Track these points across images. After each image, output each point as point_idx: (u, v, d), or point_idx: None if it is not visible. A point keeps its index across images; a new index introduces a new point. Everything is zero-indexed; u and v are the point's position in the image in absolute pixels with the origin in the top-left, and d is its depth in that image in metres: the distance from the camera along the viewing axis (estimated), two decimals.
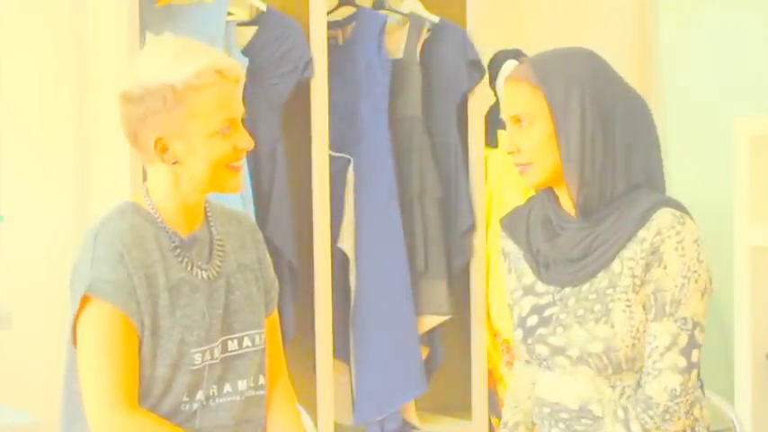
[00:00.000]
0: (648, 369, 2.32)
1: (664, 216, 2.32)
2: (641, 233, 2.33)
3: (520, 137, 2.38)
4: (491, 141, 4.08)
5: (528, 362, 2.53)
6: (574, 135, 2.33)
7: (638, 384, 2.36)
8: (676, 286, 2.30)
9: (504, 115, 2.43)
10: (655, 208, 2.33)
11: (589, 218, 2.37)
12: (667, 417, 2.30)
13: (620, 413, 2.32)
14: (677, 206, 2.36)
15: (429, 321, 3.93)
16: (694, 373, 2.32)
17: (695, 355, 2.31)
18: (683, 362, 2.30)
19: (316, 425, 3.49)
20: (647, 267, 2.32)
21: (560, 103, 2.34)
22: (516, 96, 2.38)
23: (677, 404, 2.30)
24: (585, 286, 2.38)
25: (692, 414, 2.38)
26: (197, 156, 2.31)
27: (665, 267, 2.31)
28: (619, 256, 2.35)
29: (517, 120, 2.38)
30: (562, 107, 2.34)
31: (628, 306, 2.33)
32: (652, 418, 2.30)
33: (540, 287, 2.45)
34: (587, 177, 2.34)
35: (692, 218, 2.36)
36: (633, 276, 2.33)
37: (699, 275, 2.31)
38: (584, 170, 2.34)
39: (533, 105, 2.35)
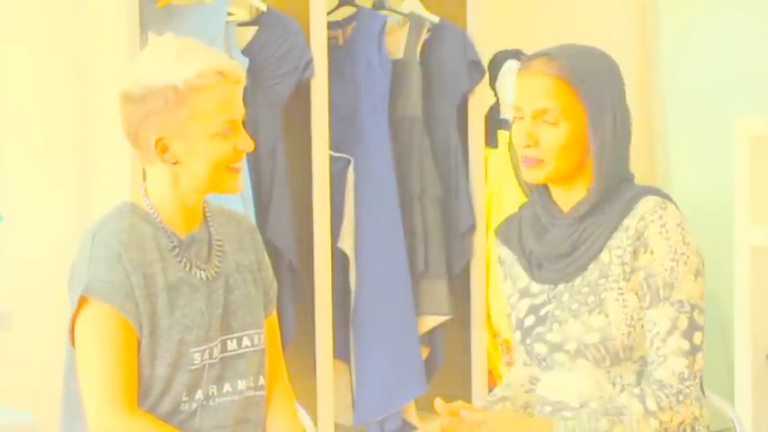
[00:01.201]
0: (653, 357, 2.33)
1: (647, 203, 2.35)
2: (626, 221, 2.35)
3: (541, 132, 2.36)
4: (491, 141, 4.08)
5: (526, 365, 2.55)
6: (607, 134, 2.35)
7: (638, 380, 2.37)
8: (666, 270, 2.31)
9: (521, 105, 2.37)
10: (638, 197, 2.36)
11: (577, 212, 2.39)
12: (681, 398, 2.31)
13: (635, 390, 2.32)
14: (660, 194, 2.39)
15: (429, 321, 3.93)
16: (699, 355, 2.32)
17: (698, 337, 2.32)
18: (686, 345, 2.31)
19: (316, 425, 3.49)
20: (635, 254, 2.33)
21: (596, 103, 2.35)
22: (544, 91, 2.35)
23: (688, 387, 2.31)
24: (578, 280, 2.39)
25: (693, 412, 2.38)
26: (198, 156, 2.31)
27: (652, 252, 2.32)
28: (606, 247, 2.36)
29: (540, 114, 2.36)
30: (597, 107, 2.35)
31: (620, 294, 2.34)
32: (667, 396, 2.30)
33: (535, 287, 2.46)
34: (613, 172, 2.37)
35: (675, 205, 2.38)
36: (623, 264, 2.34)
37: (687, 257, 2.32)
38: (613, 165, 2.36)
39: (565, 104, 2.34)
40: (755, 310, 4.26)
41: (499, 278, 2.59)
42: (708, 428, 2.42)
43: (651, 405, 2.30)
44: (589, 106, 2.34)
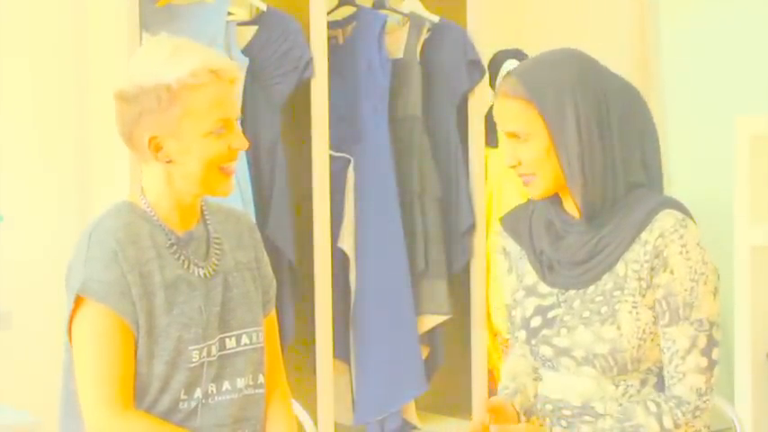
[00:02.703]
0: (672, 373, 2.33)
1: (666, 218, 2.33)
2: (644, 235, 2.33)
3: (519, 151, 2.37)
4: (491, 141, 4.08)
5: (526, 356, 2.54)
6: (572, 145, 2.33)
7: (642, 385, 2.37)
8: (686, 290, 2.31)
9: (499, 130, 2.42)
10: (657, 210, 2.34)
11: (593, 220, 2.37)
12: (697, 413, 2.33)
13: (652, 407, 2.33)
14: (679, 207, 2.37)
15: (429, 321, 3.93)
16: (716, 369, 2.34)
17: (715, 353, 2.33)
18: (704, 362, 2.32)
19: (316, 425, 3.49)
20: (653, 271, 2.32)
21: (554, 115, 2.33)
22: (509, 112, 2.37)
23: (705, 402, 2.33)
24: (590, 288, 2.38)
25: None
26: (191, 155, 2.31)
27: (672, 272, 2.31)
28: (623, 259, 2.35)
29: (514, 135, 2.37)
30: (557, 119, 2.33)
31: (634, 308, 2.33)
32: (684, 414, 2.32)
33: (544, 288, 2.45)
34: (590, 183, 2.34)
35: (692, 219, 2.37)
36: (639, 279, 2.33)
37: (707, 277, 2.32)
38: (585, 177, 2.33)
39: (528, 120, 2.34)
40: (755, 310, 4.26)
41: (501, 269, 2.57)
42: (708, 428, 2.43)
43: (668, 423, 2.32)
44: (548, 118, 2.33)
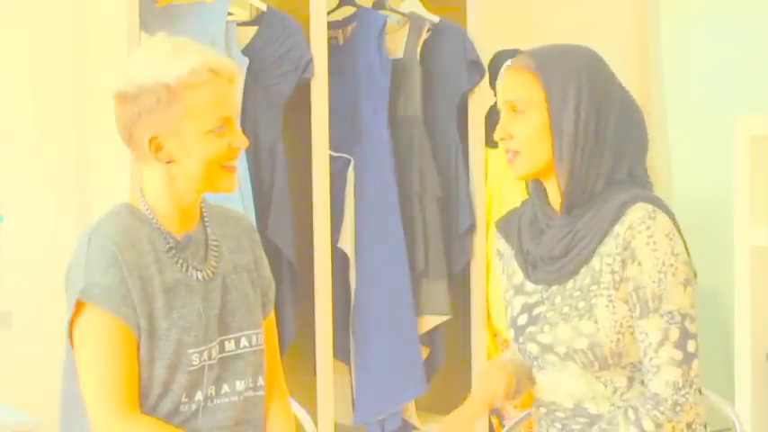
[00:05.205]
0: (647, 367, 2.33)
1: (636, 211, 2.33)
2: (616, 228, 2.34)
3: (513, 123, 2.39)
4: (491, 141, 4.08)
5: None
6: (567, 126, 2.35)
7: (630, 383, 2.37)
8: (654, 282, 2.31)
9: (499, 102, 2.44)
10: (629, 203, 2.35)
11: (571, 213, 2.39)
12: (678, 409, 2.31)
13: (631, 414, 2.32)
14: (652, 200, 2.37)
15: (429, 321, 3.93)
16: (695, 362, 2.32)
17: (691, 345, 2.32)
18: (679, 354, 2.31)
19: (316, 425, 3.49)
20: (624, 264, 2.33)
21: (557, 94, 2.35)
22: (514, 83, 2.40)
23: (684, 396, 2.31)
24: (570, 284, 2.39)
25: (697, 413, 2.38)
26: (191, 154, 2.31)
27: (640, 264, 2.32)
28: (597, 252, 2.36)
29: (512, 106, 2.39)
30: (558, 98, 2.35)
31: (610, 302, 2.34)
32: (663, 413, 2.31)
33: (529, 286, 2.47)
34: (576, 170, 2.35)
35: (668, 212, 2.36)
36: (612, 272, 2.34)
37: (676, 268, 2.31)
38: (573, 162, 2.35)
39: (530, 93, 2.37)
40: (755, 310, 4.26)
41: (498, 271, 2.59)
42: (707, 428, 2.42)
43: (648, 426, 2.31)
44: (550, 95, 2.36)
